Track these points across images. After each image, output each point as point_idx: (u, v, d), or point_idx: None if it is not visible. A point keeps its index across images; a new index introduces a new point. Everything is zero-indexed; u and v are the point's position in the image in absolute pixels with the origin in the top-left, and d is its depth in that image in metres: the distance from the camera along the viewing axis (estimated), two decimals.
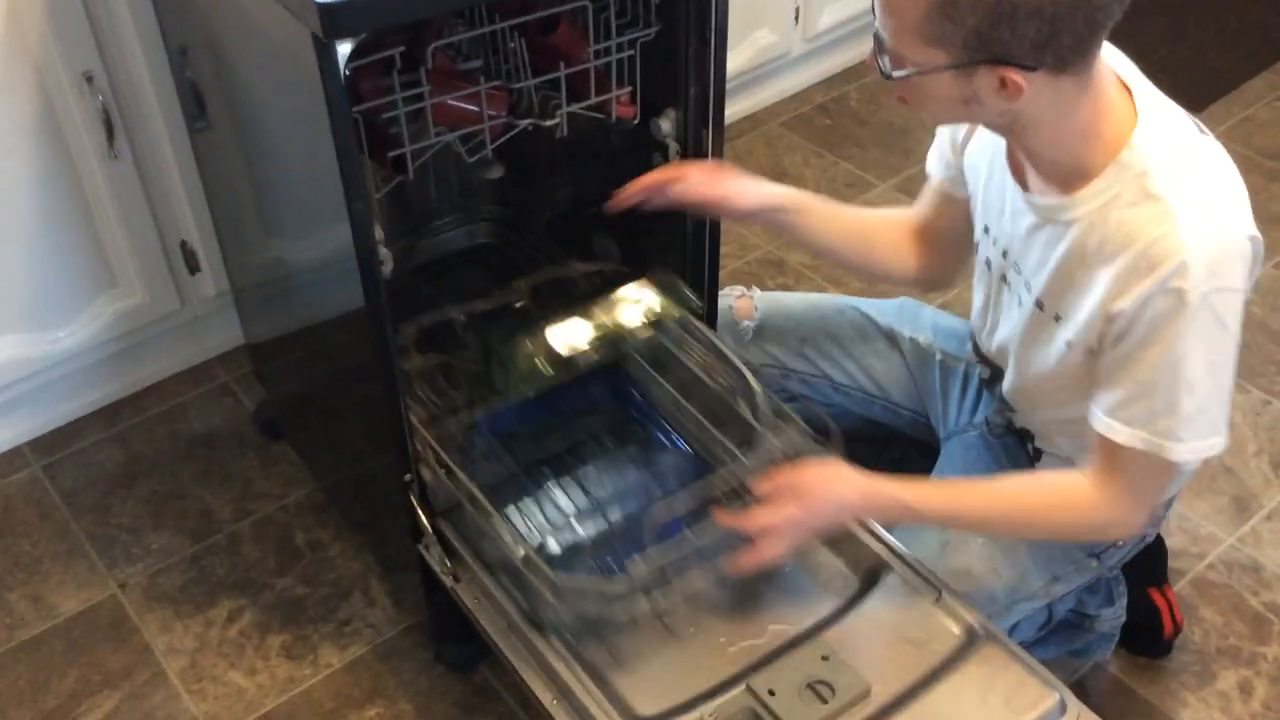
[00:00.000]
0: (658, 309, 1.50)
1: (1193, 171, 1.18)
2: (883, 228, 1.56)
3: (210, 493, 1.92)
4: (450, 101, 1.31)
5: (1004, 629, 1.36)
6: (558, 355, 1.45)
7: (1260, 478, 1.93)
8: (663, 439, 1.54)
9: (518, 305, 1.58)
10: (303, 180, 1.40)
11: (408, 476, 1.46)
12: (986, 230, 1.40)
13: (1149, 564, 1.65)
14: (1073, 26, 1.09)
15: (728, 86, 1.45)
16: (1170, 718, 1.62)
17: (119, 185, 1.81)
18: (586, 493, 1.52)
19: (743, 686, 1.25)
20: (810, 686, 1.23)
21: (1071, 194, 1.22)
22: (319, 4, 1.06)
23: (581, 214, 1.80)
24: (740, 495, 1.34)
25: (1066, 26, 1.08)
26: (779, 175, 2.57)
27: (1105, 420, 1.24)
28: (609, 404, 1.59)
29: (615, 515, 1.47)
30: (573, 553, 1.43)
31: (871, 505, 1.33)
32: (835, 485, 1.30)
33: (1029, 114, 1.17)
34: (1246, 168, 2.53)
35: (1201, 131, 1.22)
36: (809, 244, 1.55)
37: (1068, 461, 1.43)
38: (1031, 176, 1.28)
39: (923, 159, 2.60)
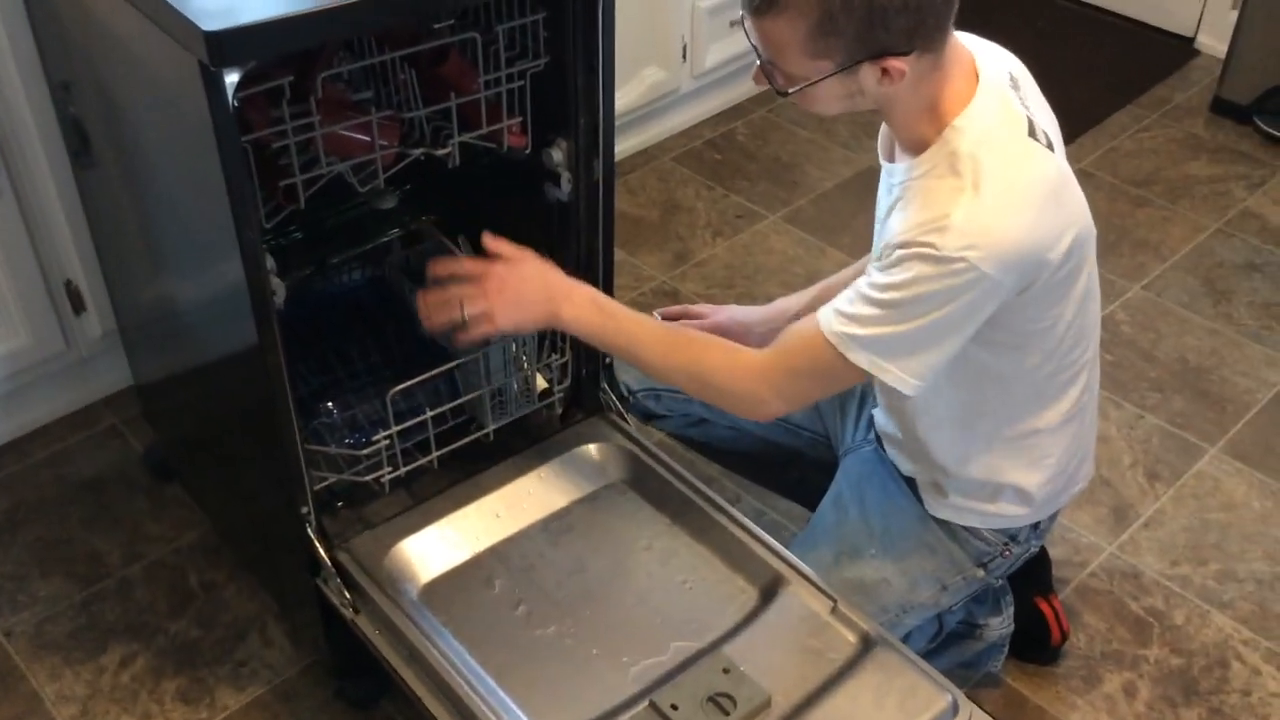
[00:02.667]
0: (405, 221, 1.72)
1: (999, 162, 1.24)
2: None
3: (99, 537, 1.87)
4: (341, 131, 1.32)
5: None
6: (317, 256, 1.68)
7: (1136, 489, 2.01)
8: (416, 337, 1.68)
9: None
10: (191, 213, 1.39)
11: (304, 510, 1.45)
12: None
13: (1034, 574, 1.71)
14: (934, 8, 1.19)
15: (619, 122, 1.50)
16: None
17: (0, 224, 1.77)
18: (345, 383, 1.72)
19: (646, 703, 1.27)
20: (712, 699, 1.25)
21: (909, 160, 1.30)
22: (206, 32, 1.07)
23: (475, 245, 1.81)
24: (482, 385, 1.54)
25: (930, 9, 1.18)
26: (672, 208, 2.62)
27: (827, 309, 1.29)
28: (370, 308, 1.77)
29: (369, 401, 1.66)
30: (329, 431, 1.63)
31: (568, 286, 1.43)
32: (540, 263, 1.44)
33: (898, 94, 1.25)
34: (1113, 196, 2.67)
35: (1032, 135, 1.28)
36: None
37: (937, 488, 1.48)
38: (897, 150, 1.36)
39: (809, 191, 2.69)
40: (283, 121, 1.26)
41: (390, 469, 1.51)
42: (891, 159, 1.37)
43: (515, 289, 1.41)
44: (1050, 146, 1.29)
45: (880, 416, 1.54)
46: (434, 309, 1.42)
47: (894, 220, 1.28)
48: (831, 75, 1.22)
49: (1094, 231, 1.35)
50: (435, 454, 1.54)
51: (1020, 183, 1.24)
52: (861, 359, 1.27)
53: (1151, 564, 1.89)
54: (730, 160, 2.78)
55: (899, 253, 1.23)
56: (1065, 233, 1.27)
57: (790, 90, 1.25)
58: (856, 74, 1.22)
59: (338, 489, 1.55)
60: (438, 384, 1.55)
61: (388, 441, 1.49)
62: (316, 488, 1.47)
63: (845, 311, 1.28)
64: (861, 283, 1.29)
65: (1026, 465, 1.43)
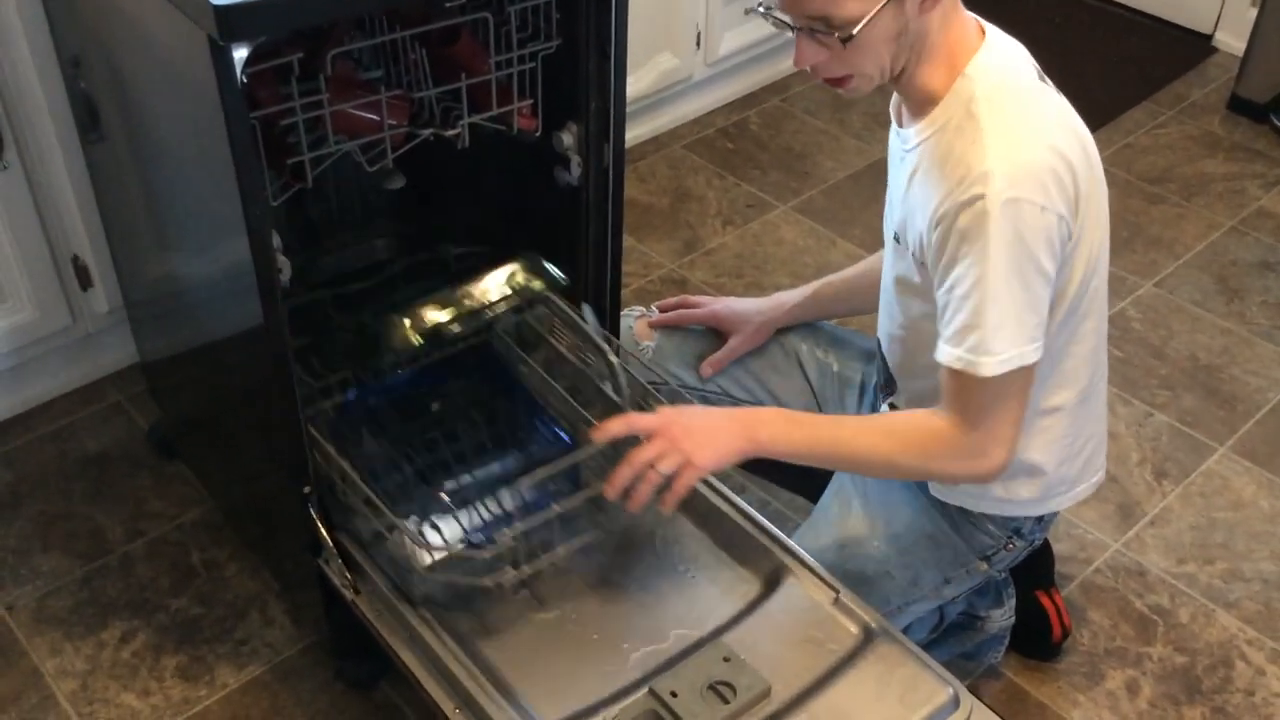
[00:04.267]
0: (522, 285, 1.56)
1: (1014, 98, 1.25)
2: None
3: (102, 513, 1.87)
4: (350, 109, 1.31)
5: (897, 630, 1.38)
6: (427, 329, 1.50)
7: (1144, 486, 2.00)
8: (530, 415, 1.55)
9: (388, 282, 1.64)
10: (199, 190, 1.39)
11: (307, 489, 1.45)
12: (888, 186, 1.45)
13: (1035, 568, 1.69)
14: None
15: (631, 109, 1.48)
16: (1061, 717, 1.67)
17: (8, 198, 1.77)
18: (454, 467, 1.51)
19: (645, 690, 1.26)
20: (712, 687, 1.24)
21: (921, 121, 1.30)
22: (215, 6, 1.06)
23: (485, 229, 1.80)
24: (605, 469, 1.35)
25: None
26: (682, 196, 2.61)
27: (941, 346, 1.27)
28: (478, 381, 1.61)
29: (483, 488, 1.48)
30: (442, 524, 1.44)
31: (749, 410, 1.39)
32: (709, 411, 1.36)
33: (926, 34, 1.25)
34: (1127, 192, 2.66)
35: (1042, 80, 1.30)
36: (851, 312, 1.70)
37: None
38: (907, 115, 1.35)
39: (821, 182, 2.68)
40: (291, 99, 1.26)
41: (513, 570, 1.34)
42: (902, 124, 1.37)
43: (702, 427, 1.30)
44: None
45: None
46: (630, 486, 1.29)
47: (923, 191, 1.27)
48: (886, 4, 1.19)
49: (1106, 192, 1.34)
50: (560, 549, 1.37)
51: (1038, 112, 1.26)
52: (991, 365, 1.23)
53: (1157, 562, 1.88)
54: (742, 149, 2.77)
55: (959, 226, 1.21)
56: (1083, 159, 1.26)
57: (855, 31, 1.21)
58: (905, 2, 1.21)
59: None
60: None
61: (513, 541, 1.32)
62: (424, 588, 1.36)
63: (951, 335, 1.25)
64: (942, 294, 1.26)
65: (1042, 444, 1.42)
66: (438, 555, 1.34)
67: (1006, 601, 1.61)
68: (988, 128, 1.22)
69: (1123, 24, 3.30)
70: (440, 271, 1.63)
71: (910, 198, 1.30)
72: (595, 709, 1.27)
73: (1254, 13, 2.88)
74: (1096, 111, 2.89)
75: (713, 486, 1.50)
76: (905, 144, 1.33)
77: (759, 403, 1.66)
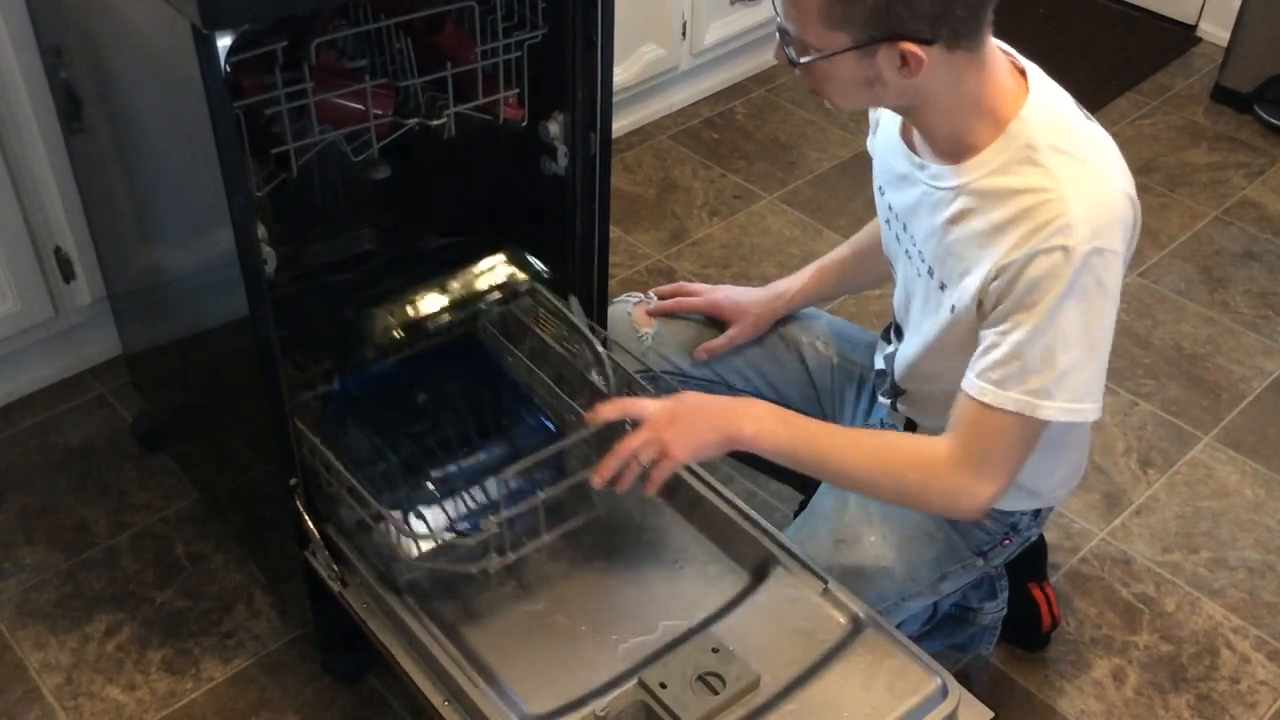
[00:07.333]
0: (507, 278, 1.59)
1: (1076, 142, 1.23)
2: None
3: (86, 506, 1.86)
4: (334, 99, 1.30)
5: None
6: (411, 322, 1.52)
7: (1129, 475, 2.01)
8: (516, 405, 1.56)
9: (371, 274, 1.65)
10: (183, 181, 1.37)
11: (293, 481, 1.44)
12: (881, 190, 1.44)
13: (1029, 560, 1.69)
14: None
15: (617, 99, 1.48)
16: (1048, 706, 1.67)
17: None
18: (440, 457, 1.53)
19: (634, 681, 1.25)
20: (701, 678, 1.24)
21: (957, 164, 1.26)
22: None
23: (470, 221, 1.80)
24: (590, 457, 1.38)
25: None
26: (669, 187, 2.60)
27: (978, 383, 1.24)
28: (463, 372, 1.62)
29: (469, 477, 1.50)
30: (428, 513, 1.46)
31: (742, 402, 1.35)
32: (702, 401, 1.34)
33: (927, 90, 1.21)
34: None
35: (1087, 118, 1.28)
36: (851, 290, 1.76)
37: None
38: (929, 150, 1.31)
39: (807, 172, 2.68)
40: (275, 88, 1.25)
41: (498, 556, 1.35)
42: (916, 151, 1.33)
43: (686, 417, 1.30)
44: None
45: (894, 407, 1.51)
46: (614, 478, 1.31)
47: (980, 236, 1.23)
48: (847, 50, 1.17)
49: None
50: (546, 537, 1.37)
51: (1100, 154, 1.23)
52: (1050, 410, 1.21)
53: (1143, 550, 1.89)
54: (728, 140, 2.76)
55: (1030, 274, 1.18)
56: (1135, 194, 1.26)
57: (802, 60, 1.20)
58: (874, 56, 1.17)
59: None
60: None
61: (498, 528, 1.33)
62: (410, 576, 1.38)
63: (1006, 376, 1.21)
64: (993, 332, 1.23)
65: (1043, 471, 1.41)
66: (423, 543, 1.36)
67: (1000, 594, 1.60)
68: (1061, 175, 1.18)
69: (1106, 14, 3.31)
70: (423, 263, 1.65)
71: (955, 239, 1.26)
72: (584, 700, 1.26)
73: (1237, 3, 2.89)
74: (1081, 102, 2.88)
75: (699, 476, 1.50)
76: (939, 181, 1.28)
77: (756, 393, 1.65)
